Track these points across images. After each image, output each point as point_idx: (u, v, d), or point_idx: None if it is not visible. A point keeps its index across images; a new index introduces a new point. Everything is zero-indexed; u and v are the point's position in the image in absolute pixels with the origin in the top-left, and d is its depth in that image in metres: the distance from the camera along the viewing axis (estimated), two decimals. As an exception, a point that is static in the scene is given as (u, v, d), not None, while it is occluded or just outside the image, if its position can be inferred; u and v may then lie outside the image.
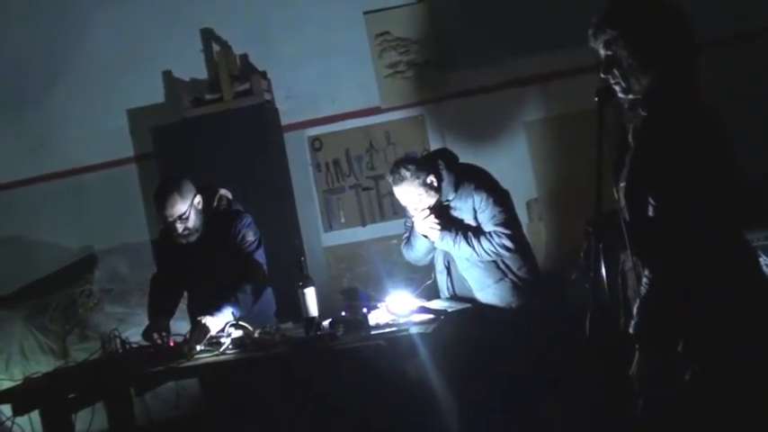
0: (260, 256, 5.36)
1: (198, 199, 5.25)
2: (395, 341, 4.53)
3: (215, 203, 5.42)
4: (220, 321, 4.95)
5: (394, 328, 4.75)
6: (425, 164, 5.42)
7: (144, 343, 5.14)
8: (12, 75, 8.22)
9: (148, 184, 7.62)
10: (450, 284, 5.52)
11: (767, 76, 6.83)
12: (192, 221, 5.20)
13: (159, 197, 5.17)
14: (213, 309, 4.97)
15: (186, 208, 5.15)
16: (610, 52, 3.25)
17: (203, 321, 4.90)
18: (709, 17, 5.51)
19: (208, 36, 7.91)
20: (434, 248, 5.52)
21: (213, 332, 4.92)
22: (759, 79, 6.80)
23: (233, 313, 4.98)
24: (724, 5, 6.71)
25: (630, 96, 3.26)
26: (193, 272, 5.37)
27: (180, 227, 5.17)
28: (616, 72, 3.25)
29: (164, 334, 5.06)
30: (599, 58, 3.31)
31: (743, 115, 5.76)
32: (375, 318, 5.00)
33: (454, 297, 5.49)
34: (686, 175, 3.04)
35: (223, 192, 5.53)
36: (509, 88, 7.48)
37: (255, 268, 5.30)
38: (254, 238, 5.35)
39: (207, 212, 5.33)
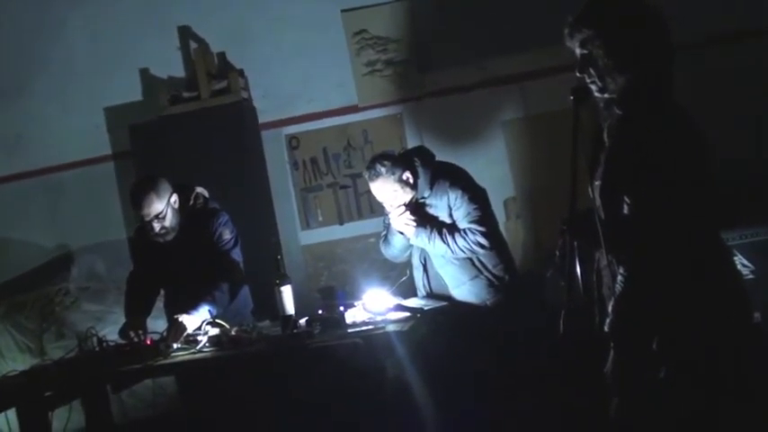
0: (236, 254, 5.36)
1: (174, 198, 5.25)
2: (371, 339, 4.54)
3: (191, 202, 5.42)
4: (197, 319, 4.95)
5: (371, 327, 4.77)
6: (401, 160, 5.43)
7: (121, 341, 5.13)
8: (-12, 72, 8.19)
9: (126, 183, 7.58)
10: (426, 281, 5.53)
11: (741, 78, 6.88)
12: (169, 220, 5.20)
13: (136, 196, 5.17)
14: (190, 307, 4.97)
15: (163, 207, 5.15)
16: (585, 51, 3.26)
17: (180, 319, 4.90)
18: (685, 18, 5.56)
19: (185, 34, 7.90)
20: (411, 245, 5.53)
21: (190, 330, 4.91)
22: (732, 82, 6.84)
23: (210, 311, 4.98)
24: (700, 7, 6.76)
25: (606, 95, 3.27)
26: (170, 270, 5.37)
27: (157, 226, 5.17)
28: (592, 71, 3.25)
29: (140, 332, 5.05)
30: (575, 58, 3.33)
31: (718, 117, 5.83)
32: (352, 316, 5.01)
33: (430, 294, 5.50)
34: (661, 174, 3.05)
35: (199, 190, 5.53)
36: (486, 88, 7.50)
37: (232, 266, 5.30)
38: (231, 237, 5.35)
39: (183, 211, 5.33)
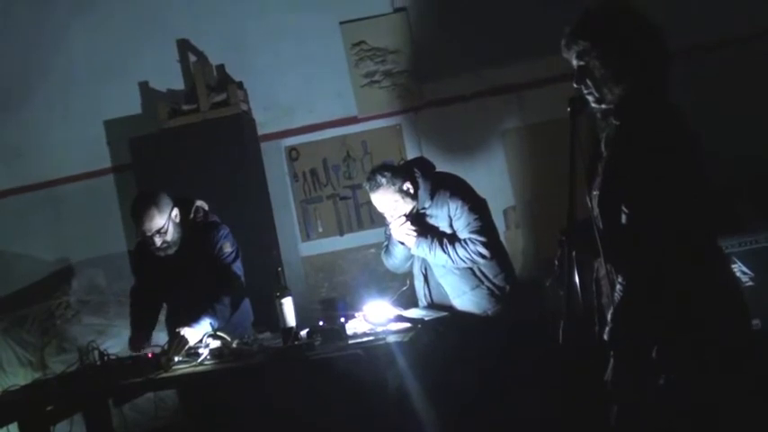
0: (237, 267, 5.36)
1: (175, 212, 5.25)
2: (372, 350, 4.54)
3: (191, 215, 5.42)
4: (198, 332, 4.95)
5: (371, 338, 4.76)
6: (402, 171, 5.45)
7: (122, 355, 5.13)
8: (-12, 85, 8.19)
9: (126, 195, 7.59)
10: (427, 291, 5.54)
11: (741, 79, 6.90)
12: (170, 235, 5.21)
13: (136, 212, 5.16)
14: (191, 320, 4.96)
15: (164, 222, 5.15)
16: (582, 62, 3.26)
17: (181, 333, 4.90)
18: (685, 20, 5.57)
19: (184, 47, 7.91)
20: (412, 255, 5.53)
21: (191, 343, 4.91)
22: (729, 86, 6.85)
23: (211, 324, 4.99)
24: (700, 9, 6.80)
25: (603, 106, 3.28)
26: (171, 284, 5.37)
27: (158, 240, 5.17)
28: (589, 82, 3.26)
29: (146, 346, 5.07)
30: (573, 68, 3.33)
31: (718, 118, 5.87)
32: (353, 327, 5.02)
33: (431, 304, 5.51)
34: (658, 183, 3.05)
35: (199, 203, 5.53)
36: (485, 97, 7.51)
37: (233, 279, 5.30)
38: (232, 250, 5.35)
39: (184, 224, 5.33)
